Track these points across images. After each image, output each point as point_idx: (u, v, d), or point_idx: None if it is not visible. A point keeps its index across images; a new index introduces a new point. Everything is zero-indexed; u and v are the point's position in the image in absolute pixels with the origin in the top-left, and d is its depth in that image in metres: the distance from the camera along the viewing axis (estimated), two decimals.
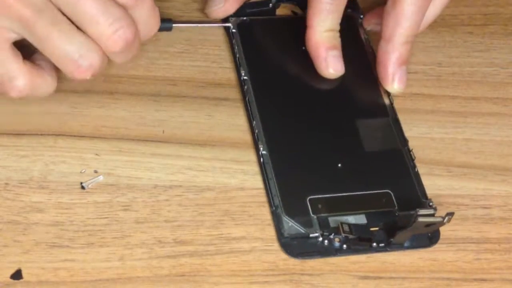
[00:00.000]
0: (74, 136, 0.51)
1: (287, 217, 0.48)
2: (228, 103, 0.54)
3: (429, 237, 0.49)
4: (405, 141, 0.52)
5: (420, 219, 0.46)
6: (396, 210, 0.49)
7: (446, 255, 0.49)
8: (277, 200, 0.49)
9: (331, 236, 0.48)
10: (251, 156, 0.51)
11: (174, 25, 0.54)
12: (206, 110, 0.53)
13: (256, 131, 0.51)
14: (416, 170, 0.51)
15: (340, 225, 0.48)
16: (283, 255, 0.48)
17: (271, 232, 0.48)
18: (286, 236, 0.48)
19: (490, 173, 0.53)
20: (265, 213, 0.49)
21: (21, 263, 0.46)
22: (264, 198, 0.50)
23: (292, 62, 0.55)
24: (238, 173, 0.51)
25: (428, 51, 0.58)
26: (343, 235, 0.47)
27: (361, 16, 0.58)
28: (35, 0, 0.44)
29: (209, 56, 0.56)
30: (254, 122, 0.52)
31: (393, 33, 0.53)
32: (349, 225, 0.48)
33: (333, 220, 0.48)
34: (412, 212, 0.46)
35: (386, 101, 0.54)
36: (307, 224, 0.48)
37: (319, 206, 0.49)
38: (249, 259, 0.47)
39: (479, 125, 0.55)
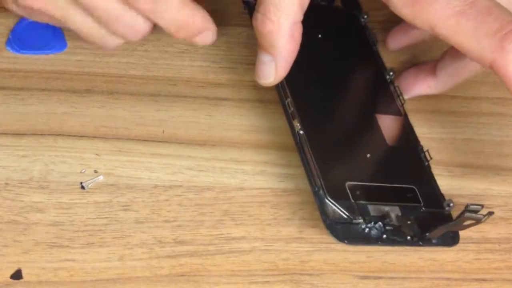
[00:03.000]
0: (74, 136, 0.51)
1: (330, 199, 0.47)
2: (228, 103, 0.54)
3: (451, 236, 0.48)
4: (417, 141, 0.52)
5: (467, 215, 0.45)
6: (422, 206, 0.49)
7: (446, 255, 0.49)
8: (319, 181, 0.47)
9: (371, 224, 0.47)
10: (251, 156, 0.51)
11: None
12: (206, 110, 0.53)
13: (291, 109, 0.49)
14: (431, 170, 0.51)
15: (388, 212, 0.47)
16: (283, 255, 0.48)
17: (271, 232, 0.48)
18: (331, 219, 0.46)
19: (490, 173, 0.53)
20: (265, 213, 0.49)
21: (21, 263, 0.46)
22: (264, 198, 0.50)
23: (312, 49, 0.53)
24: (238, 173, 0.51)
25: (428, 51, 0.58)
26: (391, 222, 0.47)
27: (365, 16, 0.58)
28: (59, 3, 0.46)
29: (209, 56, 0.56)
30: (287, 100, 0.50)
31: (446, 87, 0.54)
32: (396, 214, 0.47)
33: (372, 208, 0.48)
34: (437, 210, 0.47)
35: (398, 101, 0.54)
36: (349, 209, 0.47)
37: (358, 192, 0.48)
38: (249, 259, 0.47)
39: (479, 125, 0.55)
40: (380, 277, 0.48)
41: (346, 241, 0.46)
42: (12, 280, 0.45)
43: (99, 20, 0.47)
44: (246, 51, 0.56)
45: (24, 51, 0.53)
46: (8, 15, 0.54)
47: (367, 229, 0.47)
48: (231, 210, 0.49)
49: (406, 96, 0.54)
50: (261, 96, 0.54)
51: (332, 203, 0.47)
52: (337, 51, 0.55)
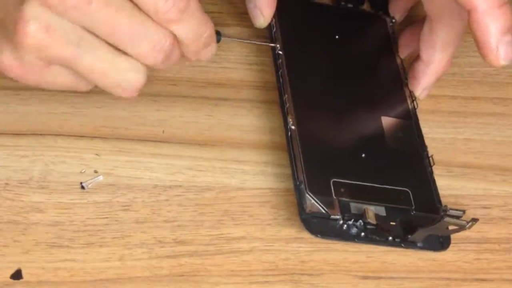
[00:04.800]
0: (74, 136, 0.51)
1: (310, 193, 0.48)
2: (228, 103, 0.54)
3: (440, 241, 0.49)
4: (424, 146, 0.52)
5: (447, 219, 0.45)
6: (413, 210, 0.49)
7: (446, 255, 0.49)
8: (302, 176, 0.48)
9: (351, 222, 0.47)
10: (251, 156, 0.51)
11: (222, 38, 0.51)
12: (206, 110, 0.53)
13: (287, 105, 0.51)
14: (433, 176, 0.51)
15: (365, 211, 0.47)
16: (283, 255, 0.48)
17: (271, 232, 0.48)
18: (307, 212, 0.47)
19: (490, 173, 0.53)
20: (265, 213, 0.49)
21: (21, 263, 0.46)
22: (264, 198, 0.50)
23: (324, 49, 0.55)
24: (238, 173, 0.51)
25: None
26: (367, 220, 0.47)
27: (393, 21, 0.58)
28: (70, 36, 0.43)
29: None
30: (286, 96, 0.51)
31: (432, 59, 0.53)
32: (374, 212, 0.48)
33: (354, 207, 0.48)
34: (429, 216, 0.46)
35: (410, 105, 0.54)
36: (329, 205, 0.47)
37: (342, 190, 0.48)
38: (249, 259, 0.47)
39: (479, 125, 0.55)
40: (380, 277, 0.48)
41: (319, 235, 0.47)
42: (12, 280, 0.45)
43: (119, 43, 0.44)
44: (246, 51, 0.56)
45: None
46: None
47: (345, 226, 0.47)
48: (231, 210, 0.49)
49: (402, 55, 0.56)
50: (261, 96, 0.54)
51: (312, 197, 0.47)
52: (350, 53, 0.56)
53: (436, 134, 0.54)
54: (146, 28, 0.44)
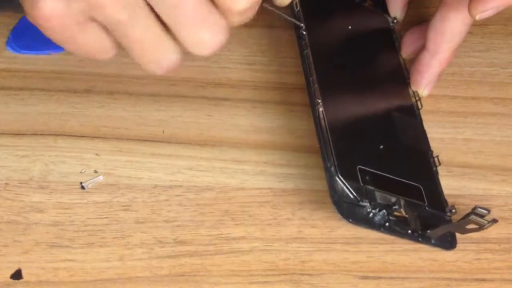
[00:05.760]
0: (74, 136, 0.51)
1: (341, 178, 0.47)
2: (228, 103, 0.54)
3: (449, 240, 0.49)
4: (429, 145, 0.52)
5: (472, 217, 0.46)
6: (426, 206, 0.49)
7: (446, 255, 0.49)
8: (332, 158, 0.47)
9: (376, 211, 0.47)
10: (251, 156, 0.51)
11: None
12: (206, 110, 0.53)
13: (314, 86, 0.50)
14: (438, 175, 0.51)
15: (398, 200, 0.47)
16: (283, 255, 0.48)
17: (271, 232, 0.48)
18: (339, 195, 0.47)
19: (490, 173, 0.53)
20: (265, 213, 0.49)
21: (21, 263, 0.46)
22: (264, 198, 0.50)
23: (340, 37, 0.55)
24: (238, 173, 0.51)
25: None
26: (397, 210, 0.47)
27: (394, 21, 0.58)
28: (131, 2, 0.41)
29: (209, 56, 0.56)
30: (312, 77, 0.51)
31: (439, 49, 0.53)
32: (404, 204, 0.47)
33: (379, 195, 0.48)
34: (438, 213, 0.47)
35: (414, 105, 0.54)
36: (357, 191, 0.47)
37: (367, 178, 0.48)
38: (249, 259, 0.47)
39: (479, 125, 0.55)
40: (380, 277, 0.48)
41: (350, 220, 0.46)
42: (12, 280, 0.45)
43: (175, 22, 0.42)
44: (246, 51, 0.56)
45: (24, 51, 0.53)
46: (9, 15, 0.54)
47: (371, 214, 0.47)
48: (231, 210, 0.49)
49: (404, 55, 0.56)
50: (261, 96, 0.54)
51: (342, 182, 0.47)
52: (367, 46, 0.56)
53: (436, 134, 0.54)
54: (212, 14, 0.42)
